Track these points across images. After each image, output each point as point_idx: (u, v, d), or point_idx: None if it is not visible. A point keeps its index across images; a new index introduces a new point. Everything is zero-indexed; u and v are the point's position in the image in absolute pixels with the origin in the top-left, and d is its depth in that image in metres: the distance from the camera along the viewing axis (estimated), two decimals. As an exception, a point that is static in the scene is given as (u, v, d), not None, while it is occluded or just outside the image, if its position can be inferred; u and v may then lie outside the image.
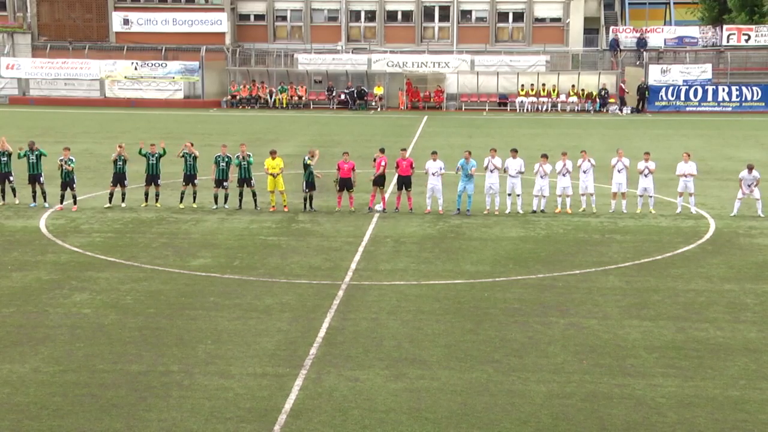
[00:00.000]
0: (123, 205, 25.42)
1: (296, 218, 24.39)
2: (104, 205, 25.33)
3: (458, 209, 24.61)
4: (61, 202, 25.54)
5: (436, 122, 50.74)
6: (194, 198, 25.69)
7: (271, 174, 24.76)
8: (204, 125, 48.46)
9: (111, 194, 25.47)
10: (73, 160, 25.48)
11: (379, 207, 25.05)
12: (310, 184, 24.75)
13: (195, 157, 25.54)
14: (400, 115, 54.76)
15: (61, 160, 25.13)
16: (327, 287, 17.74)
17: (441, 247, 21.28)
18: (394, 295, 17.19)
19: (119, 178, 25.39)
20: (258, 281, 18.17)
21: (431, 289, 17.65)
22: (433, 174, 24.46)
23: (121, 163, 25.35)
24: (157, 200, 25.47)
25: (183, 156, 25.59)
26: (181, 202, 25.56)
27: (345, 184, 24.99)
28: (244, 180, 25.05)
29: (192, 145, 25.90)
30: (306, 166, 24.69)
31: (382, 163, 24.96)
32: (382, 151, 25.43)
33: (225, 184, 25.11)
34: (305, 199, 24.94)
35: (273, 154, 25.15)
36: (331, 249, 20.98)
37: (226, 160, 25.14)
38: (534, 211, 25.09)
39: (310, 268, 19.19)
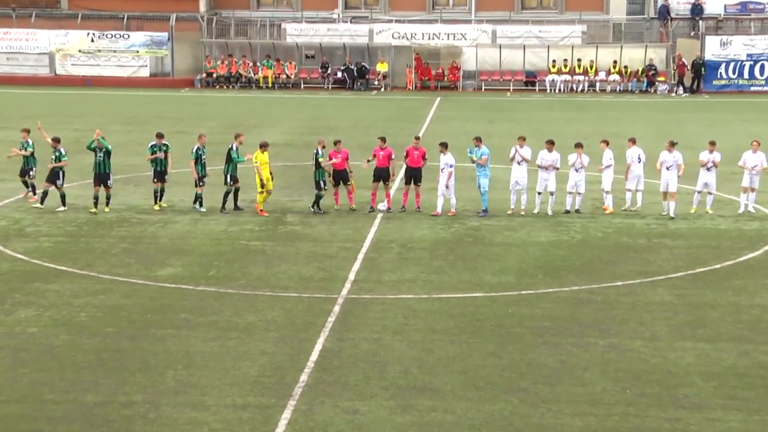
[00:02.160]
0: (63, 208, 24.83)
1: (283, 219, 24.44)
2: (90, 209, 24.84)
3: (485, 209, 24.58)
4: (34, 193, 25.76)
5: (451, 105, 50.75)
6: (161, 196, 25.58)
7: (258, 173, 24.70)
8: (174, 108, 48.58)
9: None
10: (31, 143, 25.69)
11: (382, 206, 25.09)
12: (318, 184, 24.87)
13: (166, 154, 25.18)
14: (407, 97, 54.78)
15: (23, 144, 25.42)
16: (320, 301, 17.74)
17: (456, 253, 21.27)
18: (400, 311, 17.18)
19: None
20: (238, 294, 18.18)
21: (445, 304, 17.64)
22: (441, 170, 24.45)
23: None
24: (107, 204, 24.98)
25: (155, 153, 25.16)
26: (155, 202, 25.40)
27: (339, 177, 25.04)
28: (232, 177, 24.99)
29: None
30: (317, 162, 24.67)
31: (380, 155, 25.05)
32: (382, 140, 25.43)
33: (206, 180, 25.12)
34: (315, 197, 25.00)
35: (264, 147, 25.04)
36: (325, 256, 20.97)
37: (206, 152, 25.18)
38: (567, 211, 25.10)
39: (300, 279, 19.20)
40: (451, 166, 24.35)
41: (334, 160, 24.78)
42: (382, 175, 25.06)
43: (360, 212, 25.21)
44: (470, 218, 24.49)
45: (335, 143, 25.28)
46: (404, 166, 25.27)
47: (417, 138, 25.70)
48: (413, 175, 24.99)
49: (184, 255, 21.02)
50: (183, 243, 22.09)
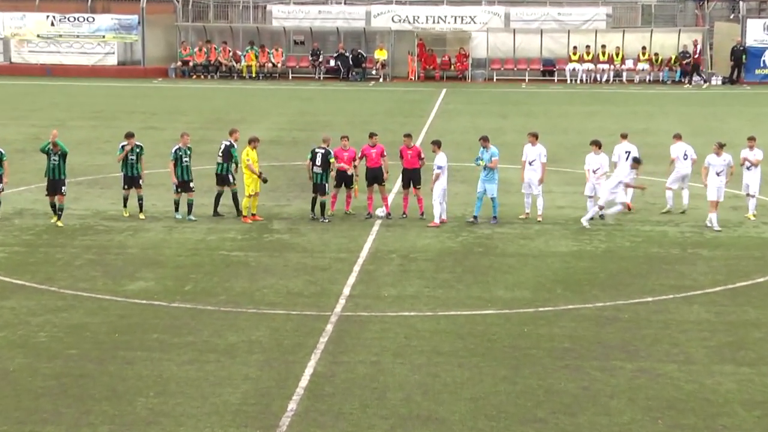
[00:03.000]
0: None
1: (269, 227, 24.47)
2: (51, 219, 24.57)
3: (475, 216, 24.62)
4: None
5: (458, 97, 50.86)
6: (140, 206, 25.27)
7: (251, 171, 24.62)
8: (146, 101, 48.63)
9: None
10: None
11: (381, 211, 25.15)
12: (322, 187, 24.77)
13: (140, 153, 25.02)
14: (409, 89, 54.89)
15: None
16: (311, 320, 17.75)
17: (465, 265, 21.30)
18: (401, 331, 17.18)
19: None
20: (218, 312, 18.18)
21: (452, 323, 17.65)
22: (438, 169, 24.37)
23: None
24: (59, 217, 24.32)
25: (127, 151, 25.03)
26: (124, 206, 25.33)
27: (343, 179, 25.13)
28: (222, 179, 24.94)
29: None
30: (326, 164, 24.63)
31: (370, 155, 25.09)
32: (373, 136, 25.46)
33: (192, 185, 24.91)
34: (322, 205, 24.93)
35: (254, 143, 25.01)
36: (316, 268, 20.99)
37: (190, 152, 25.03)
38: (601, 216, 25.03)
39: (288, 294, 19.21)
40: (439, 167, 24.29)
41: (340, 165, 24.84)
42: (376, 177, 25.11)
43: (356, 218, 25.27)
44: (480, 226, 24.52)
45: (342, 139, 25.33)
46: (401, 168, 25.32)
47: (407, 136, 25.50)
48: (411, 178, 25.07)
49: (157, 267, 21.01)
50: (155, 253, 22.08)
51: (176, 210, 24.96)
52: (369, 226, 24.53)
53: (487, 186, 24.41)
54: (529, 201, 25.16)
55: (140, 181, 25.14)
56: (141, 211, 25.11)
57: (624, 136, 25.93)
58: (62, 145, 24.23)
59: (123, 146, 25.17)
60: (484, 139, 24.62)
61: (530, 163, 24.93)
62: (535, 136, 25.18)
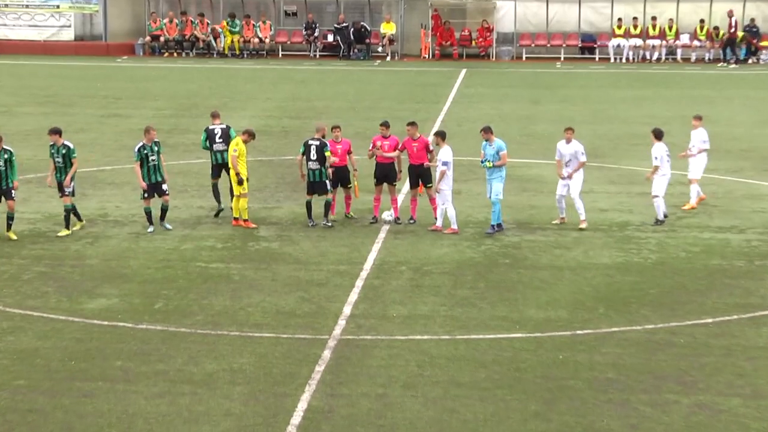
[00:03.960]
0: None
1: (255, 233, 24.48)
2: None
3: (493, 225, 24.41)
4: None
5: (481, 80, 50.77)
6: (67, 222, 24.52)
7: (233, 166, 24.62)
8: (108, 84, 48.55)
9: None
10: None
11: (388, 215, 25.18)
12: (322, 185, 24.83)
13: (67, 151, 24.53)
14: (421, 69, 54.83)
15: None
16: (305, 344, 17.72)
17: (489, 279, 21.29)
18: (412, 358, 17.15)
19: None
20: (194, 335, 18.15)
21: (473, 348, 17.63)
22: (443, 165, 24.36)
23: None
24: (9, 227, 24.04)
25: (53, 158, 24.43)
26: (67, 227, 24.58)
27: (338, 177, 25.21)
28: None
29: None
30: (323, 156, 24.66)
31: (385, 145, 25.15)
32: (385, 126, 25.54)
33: (165, 187, 24.52)
34: (326, 205, 24.92)
35: (248, 136, 24.97)
36: (312, 283, 20.99)
37: (157, 149, 24.54)
38: (658, 221, 25.04)
39: (277, 314, 19.20)
40: (444, 164, 24.30)
41: (333, 159, 24.90)
42: (387, 174, 25.18)
43: (359, 223, 25.23)
44: (507, 233, 24.49)
45: (333, 129, 25.39)
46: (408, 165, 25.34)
47: (412, 124, 25.39)
48: (418, 175, 25.07)
49: (121, 282, 20.99)
50: (119, 265, 22.06)
51: (150, 222, 24.47)
52: (374, 233, 24.51)
53: (493, 184, 24.25)
54: (563, 205, 25.06)
55: (66, 190, 24.31)
56: (79, 221, 24.69)
57: (698, 118, 26.03)
58: (9, 150, 23.92)
59: (50, 146, 24.46)
60: (487, 131, 24.47)
61: (566, 164, 24.85)
62: (572, 131, 25.07)
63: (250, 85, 48.50)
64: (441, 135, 24.86)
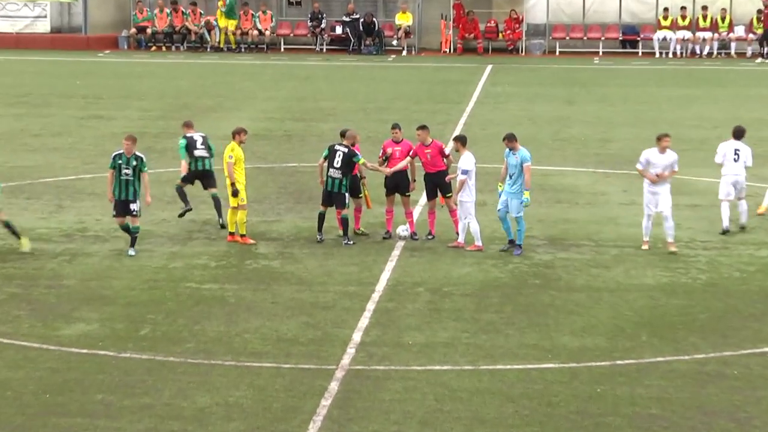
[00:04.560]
0: None
1: (254, 250, 24.46)
2: None
3: (510, 242, 24.45)
4: None
5: (508, 76, 50.74)
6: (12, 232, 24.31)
7: (228, 175, 24.68)
8: (88, 81, 48.58)
9: None
10: None
11: (404, 230, 25.17)
12: (340, 197, 24.79)
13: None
14: (442, 64, 54.82)
15: None
16: (309, 375, 17.70)
17: (517, 302, 21.26)
18: (430, 391, 17.10)
19: None
20: (184, 364, 18.14)
21: (499, 380, 17.60)
22: (463, 174, 24.41)
23: None
24: None
25: None
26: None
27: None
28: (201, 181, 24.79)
29: None
30: (349, 165, 24.70)
31: (393, 152, 25.18)
32: (397, 128, 25.56)
33: (133, 207, 24.09)
34: (344, 222, 24.94)
35: (241, 135, 25.00)
36: (317, 306, 20.97)
37: (135, 164, 24.04)
38: (725, 231, 25.07)
39: (278, 341, 19.18)
40: (464, 172, 24.31)
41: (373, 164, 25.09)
42: (398, 183, 25.19)
43: (370, 239, 25.26)
44: (537, 250, 24.45)
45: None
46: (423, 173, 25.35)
47: (422, 128, 25.38)
48: (436, 184, 25.05)
49: (103, 305, 20.96)
50: (100, 286, 22.04)
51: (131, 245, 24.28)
52: (387, 250, 24.49)
53: (511, 201, 24.12)
54: (650, 226, 24.62)
55: None
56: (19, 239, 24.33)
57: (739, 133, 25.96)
58: None
59: None
60: (510, 139, 24.23)
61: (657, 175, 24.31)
62: (668, 138, 24.48)
63: (249, 83, 48.56)
64: (461, 140, 24.89)
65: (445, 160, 25.09)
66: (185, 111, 39.42)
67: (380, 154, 25.45)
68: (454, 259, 23.84)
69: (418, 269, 23.23)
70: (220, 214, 25.87)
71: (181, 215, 26.01)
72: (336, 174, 24.65)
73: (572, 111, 41.34)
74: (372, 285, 22.16)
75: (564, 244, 24.89)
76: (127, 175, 23.99)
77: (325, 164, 24.85)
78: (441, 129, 26.36)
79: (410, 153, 25.13)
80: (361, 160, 24.78)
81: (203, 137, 26.09)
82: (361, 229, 25.63)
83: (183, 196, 26.05)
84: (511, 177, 24.17)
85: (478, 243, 24.47)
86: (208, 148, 26.05)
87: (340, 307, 20.88)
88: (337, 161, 24.64)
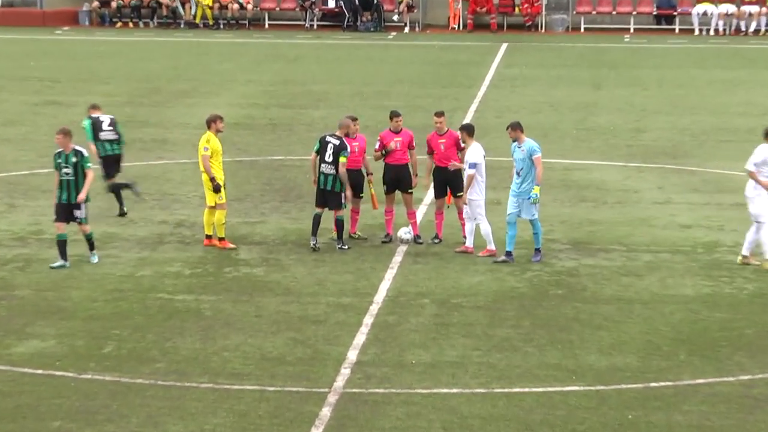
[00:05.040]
0: None
1: (234, 256, 24.44)
2: None
3: (508, 253, 24.20)
4: None
5: (526, 57, 51.16)
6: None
7: (206, 170, 24.56)
8: (44, 62, 48.82)
9: None
10: None
11: (406, 233, 24.99)
12: (335, 196, 24.74)
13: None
14: (450, 43, 55.20)
15: None
16: (298, 400, 17.60)
17: (536, 316, 21.17)
18: (437, 417, 17.03)
19: None
20: (154, 387, 18.05)
21: (515, 405, 17.50)
22: (471, 168, 24.39)
23: None
24: None
25: None
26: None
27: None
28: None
29: None
30: (337, 160, 24.58)
31: (390, 143, 25.16)
32: (395, 116, 25.45)
33: (78, 214, 23.77)
34: (339, 224, 24.87)
35: (216, 123, 24.81)
36: (306, 320, 20.91)
37: (76, 160, 23.69)
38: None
39: (262, 360, 19.11)
40: (472, 166, 24.27)
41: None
42: (399, 179, 25.16)
43: (368, 244, 25.22)
44: (560, 256, 24.43)
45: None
46: (432, 166, 25.33)
47: (440, 114, 25.44)
48: (446, 181, 25.02)
49: (60, 318, 20.90)
50: (58, 298, 22.00)
51: (61, 256, 23.68)
52: (387, 256, 24.47)
53: (523, 204, 23.94)
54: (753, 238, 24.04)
55: None
56: None
57: None
58: None
59: None
60: (515, 128, 24.12)
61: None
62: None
63: (228, 65, 48.78)
64: (467, 130, 24.87)
65: (459, 153, 25.03)
66: (155, 96, 40.21)
67: (377, 147, 25.37)
68: (463, 266, 23.79)
69: (423, 278, 23.18)
70: (121, 203, 26.58)
71: (138, 194, 26.56)
72: (328, 169, 24.60)
73: (599, 96, 41.58)
74: (370, 296, 22.09)
75: (590, 249, 24.88)
76: (67, 174, 23.70)
77: (318, 159, 24.83)
78: (449, 117, 26.23)
79: (410, 145, 25.19)
80: (343, 158, 24.46)
81: (111, 119, 26.58)
82: (358, 233, 25.52)
83: (117, 189, 26.63)
84: (519, 174, 24.01)
85: (491, 247, 24.43)
86: (117, 133, 26.75)
87: (333, 322, 20.79)
88: (329, 155, 24.60)
